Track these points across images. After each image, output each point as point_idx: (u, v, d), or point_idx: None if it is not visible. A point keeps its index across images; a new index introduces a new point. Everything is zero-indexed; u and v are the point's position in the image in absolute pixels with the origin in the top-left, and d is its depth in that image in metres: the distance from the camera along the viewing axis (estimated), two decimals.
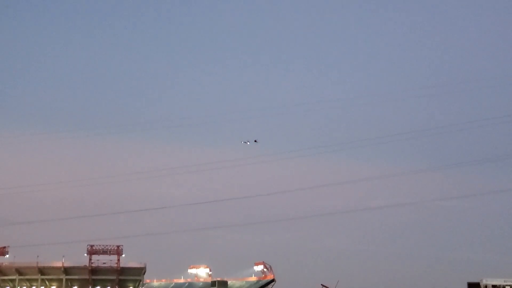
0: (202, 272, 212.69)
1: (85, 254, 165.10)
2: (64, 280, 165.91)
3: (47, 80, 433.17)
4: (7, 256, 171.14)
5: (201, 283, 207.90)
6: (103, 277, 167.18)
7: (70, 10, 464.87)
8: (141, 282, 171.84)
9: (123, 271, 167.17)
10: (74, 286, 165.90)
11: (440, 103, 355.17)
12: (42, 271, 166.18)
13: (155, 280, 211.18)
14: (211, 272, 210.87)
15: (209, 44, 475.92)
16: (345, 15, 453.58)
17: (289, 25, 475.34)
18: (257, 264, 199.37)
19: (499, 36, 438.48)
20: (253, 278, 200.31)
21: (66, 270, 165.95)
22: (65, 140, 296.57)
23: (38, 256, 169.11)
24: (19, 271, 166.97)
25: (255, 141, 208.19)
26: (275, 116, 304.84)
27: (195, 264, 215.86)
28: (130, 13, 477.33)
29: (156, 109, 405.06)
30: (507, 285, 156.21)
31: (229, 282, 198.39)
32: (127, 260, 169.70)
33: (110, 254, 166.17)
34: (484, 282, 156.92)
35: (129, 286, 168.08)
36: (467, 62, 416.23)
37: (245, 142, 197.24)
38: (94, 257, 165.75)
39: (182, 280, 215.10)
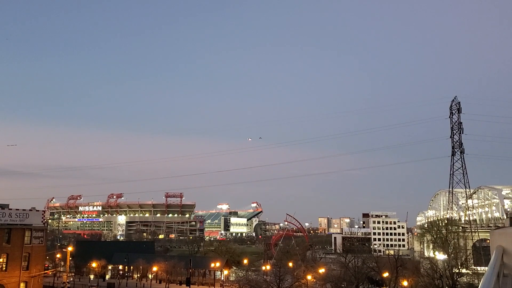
0: (224, 207, 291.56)
1: (163, 197, 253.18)
2: (152, 211, 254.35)
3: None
4: (123, 198, 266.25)
5: (223, 213, 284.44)
6: (173, 209, 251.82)
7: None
8: (193, 212, 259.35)
9: (183, 206, 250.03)
10: (157, 214, 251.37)
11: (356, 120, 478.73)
12: (140, 206, 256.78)
13: (199, 211, 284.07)
14: (229, 207, 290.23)
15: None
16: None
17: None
18: (253, 203, 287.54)
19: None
20: (251, 210, 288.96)
21: (153, 205, 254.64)
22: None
23: (139, 198, 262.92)
24: (129, 206, 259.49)
25: (260, 138, 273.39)
26: (270, 122, 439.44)
27: (221, 202, 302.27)
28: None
29: (202, 116, 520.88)
30: (383, 215, 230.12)
31: (238, 212, 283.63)
32: (185, 201, 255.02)
33: (176, 197, 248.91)
34: (371, 213, 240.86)
35: (186, 214, 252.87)
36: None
37: (249, 139, 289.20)
38: (169, 199, 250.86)
39: (214, 211, 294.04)
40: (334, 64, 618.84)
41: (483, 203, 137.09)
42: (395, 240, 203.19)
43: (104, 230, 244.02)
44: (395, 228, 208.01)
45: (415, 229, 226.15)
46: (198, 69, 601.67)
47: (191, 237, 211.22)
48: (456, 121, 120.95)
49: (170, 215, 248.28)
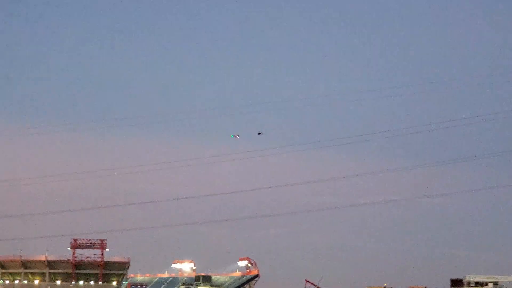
0: (186, 267, 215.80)
1: (69, 248, 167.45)
2: (47, 274, 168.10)
3: (40, 74, 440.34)
4: None
5: (185, 278, 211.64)
6: (87, 271, 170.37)
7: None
8: (124, 277, 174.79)
9: (107, 265, 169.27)
10: (57, 280, 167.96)
11: (425, 102, 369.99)
12: (25, 264, 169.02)
13: (138, 275, 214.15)
14: (195, 267, 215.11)
15: (211, 40, 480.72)
16: (343, 12, 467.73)
17: (290, 25, 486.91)
18: (241, 259, 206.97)
19: (484, 36, 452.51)
20: (238, 273, 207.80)
21: (50, 264, 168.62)
22: (50, 133, 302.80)
23: (21, 250, 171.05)
24: (2, 265, 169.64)
25: (259, 133, 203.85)
26: (264, 112, 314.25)
27: (179, 259, 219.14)
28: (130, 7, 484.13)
29: (144, 104, 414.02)
30: (490, 282, 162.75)
31: (213, 277, 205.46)
32: (111, 255, 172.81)
33: (94, 248, 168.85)
34: (467, 278, 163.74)
35: (113, 281, 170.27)
36: (452, 61, 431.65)
37: (234, 136, 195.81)
38: (78, 251, 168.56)
39: (166, 275, 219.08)
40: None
41: None
42: None
43: None
44: None
45: None
46: None
47: None
48: None
49: (82, 281, 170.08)
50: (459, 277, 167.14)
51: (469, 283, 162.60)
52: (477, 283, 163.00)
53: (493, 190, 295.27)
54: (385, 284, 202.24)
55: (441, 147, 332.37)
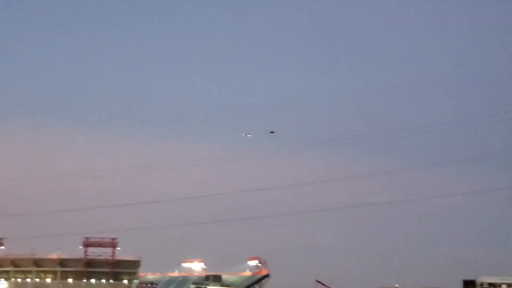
0: (196, 266, 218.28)
1: (80, 247, 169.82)
2: (59, 272, 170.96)
3: (37, 71, 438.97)
4: (2, 247, 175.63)
5: (195, 277, 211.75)
6: (98, 269, 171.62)
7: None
8: (135, 276, 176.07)
9: (118, 264, 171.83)
10: (69, 278, 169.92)
11: (434, 101, 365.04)
12: (37, 263, 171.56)
13: (149, 274, 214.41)
14: (205, 267, 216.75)
15: (213, 38, 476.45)
16: (346, 14, 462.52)
17: (295, 20, 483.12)
18: (251, 259, 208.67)
19: (493, 34, 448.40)
20: (247, 273, 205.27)
21: (61, 262, 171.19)
22: (60, 132, 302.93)
23: (33, 248, 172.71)
24: (14, 263, 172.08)
25: (271, 132, 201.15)
26: (271, 111, 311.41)
27: (190, 258, 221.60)
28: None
29: (152, 103, 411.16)
30: (503, 283, 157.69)
31: (223, 277, 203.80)
32: (122, 253, 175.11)
33: (105, 246, 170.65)
34: (480, 279, 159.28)
35: (124, 279, 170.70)
36: (462, 59, 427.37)
37: (246, 135, 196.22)
38: (90, 249, 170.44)
39: (176, 274, 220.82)
40: None
41: None
42: None
43: None
44: None
45: None
46: None
47: None
48: None
49: (94, 280, 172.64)
50: (472, 278, 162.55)
51: (482, 284, 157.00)
52: (490, 284, 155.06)
53: (506, 190, 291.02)
54: (397, 285, 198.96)
55: (452, 146, 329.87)
